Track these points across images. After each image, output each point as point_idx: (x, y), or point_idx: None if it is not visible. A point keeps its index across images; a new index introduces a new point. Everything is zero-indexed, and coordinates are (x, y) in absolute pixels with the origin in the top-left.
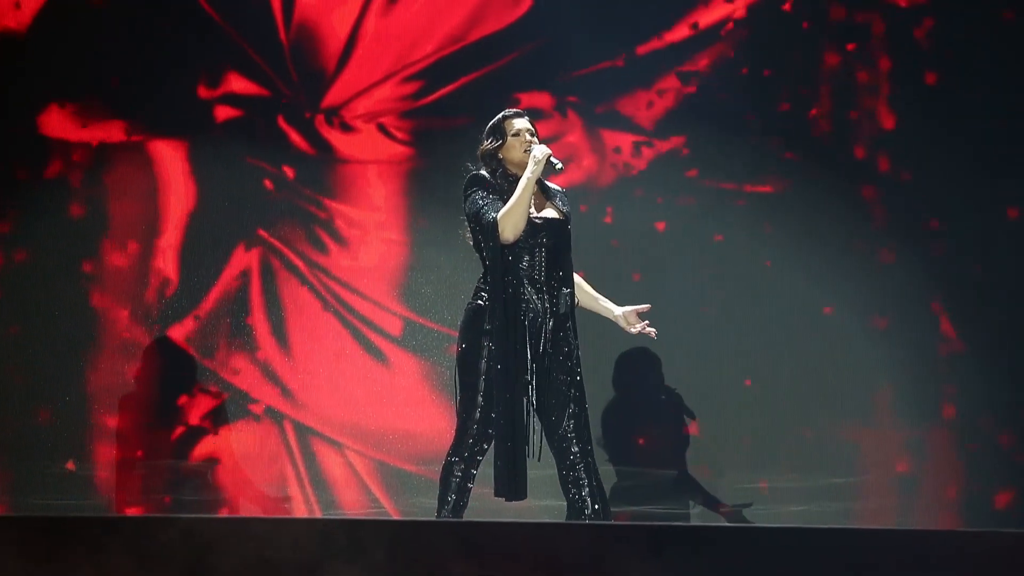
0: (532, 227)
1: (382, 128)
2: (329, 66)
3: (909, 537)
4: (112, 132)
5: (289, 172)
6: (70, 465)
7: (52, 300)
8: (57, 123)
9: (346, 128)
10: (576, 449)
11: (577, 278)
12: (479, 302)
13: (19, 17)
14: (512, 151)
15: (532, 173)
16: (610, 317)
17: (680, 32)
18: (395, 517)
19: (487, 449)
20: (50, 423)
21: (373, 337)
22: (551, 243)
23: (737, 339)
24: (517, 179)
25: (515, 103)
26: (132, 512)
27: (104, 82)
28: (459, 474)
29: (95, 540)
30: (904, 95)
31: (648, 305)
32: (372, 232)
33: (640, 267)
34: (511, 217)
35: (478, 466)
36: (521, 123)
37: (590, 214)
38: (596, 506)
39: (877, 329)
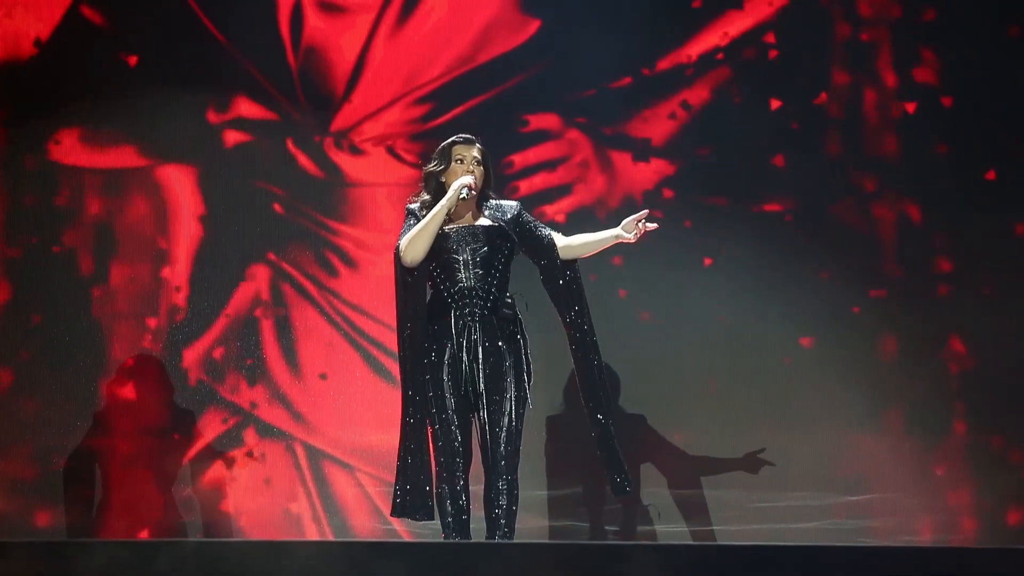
0: (460, 237)
1: (391, 151)
2: (338, 90)
3: (922, 554)
4: (122, 157)
5: (298, 196)
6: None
7: (62, 325)
8: (67, 149)
9: (355, 151)
10: (503, 463)
11: (570, 238)
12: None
13: (28, 43)
14: (452, 176)
15: (446, 201)
16: (616, 242)
17: (687, 52)
18: (407, 539)
19: (459, 463)
20: (61, 448)
21: (383, 359)
22: (484, 252)
23: (745, 356)
24: (433, 200)
25: (523, 124)
26: (142, 536)
27: (114, 108)
28: (448, 499)
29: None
30: (910, 113)
31: (646, 211)
32: (382, 254)
33: (646, 286)
34: (412, 243)
35: (459, 484)
36: (466, 151)
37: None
38: (504, 530)
39: (888, 347)
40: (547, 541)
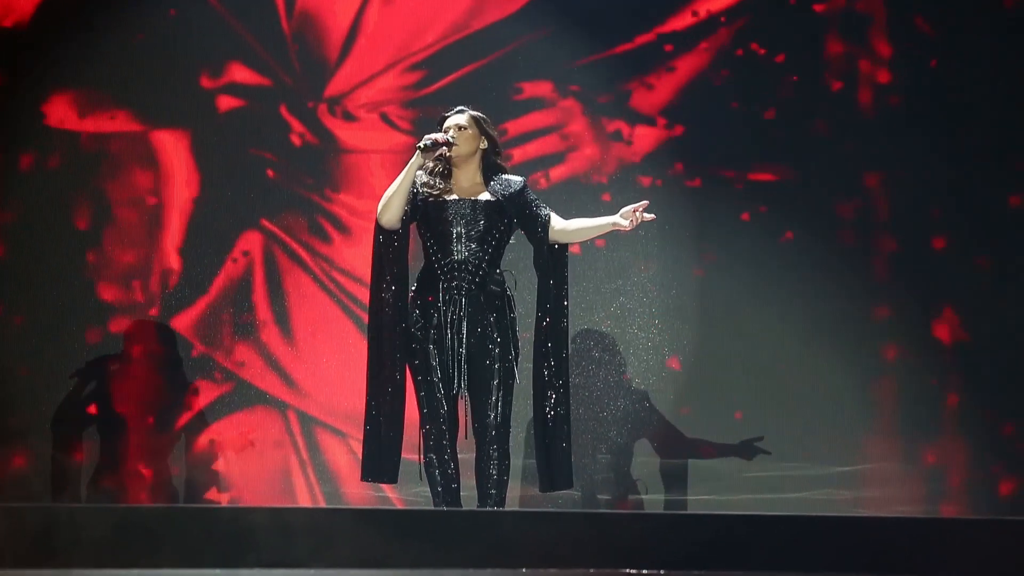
0: (457, 210)
1: (385, 117)
2: (331, 55)
3: (914, 525)
4: (115, 122)
5: (292, 162)
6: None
7: (55, 290)
8: (60, 113)
9: (349, 118)
10: (493, 433)
11: (568, 222)
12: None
13: (24, 5)
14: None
15: (413, 160)
16: (613, 229)
17: (681, 20)
18: (399, 507)
19: (446, 431)
20: (51, 413)
21: None
22: (480, 227)
23: (738, 327)
24: (438, 171)
25: (517, 92)
26: (132, 502)
27: (107, 72)
28: (437, 467)
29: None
30: (906, 83)
31: (645, 202)
32: (375, 221)
33: (641, 257)
34: (387, 205)
35: (447, 452)
36: (452, 119)
37: (591, 202)
38: (495, 499)
39: (881, 318)
40: (537, 509)
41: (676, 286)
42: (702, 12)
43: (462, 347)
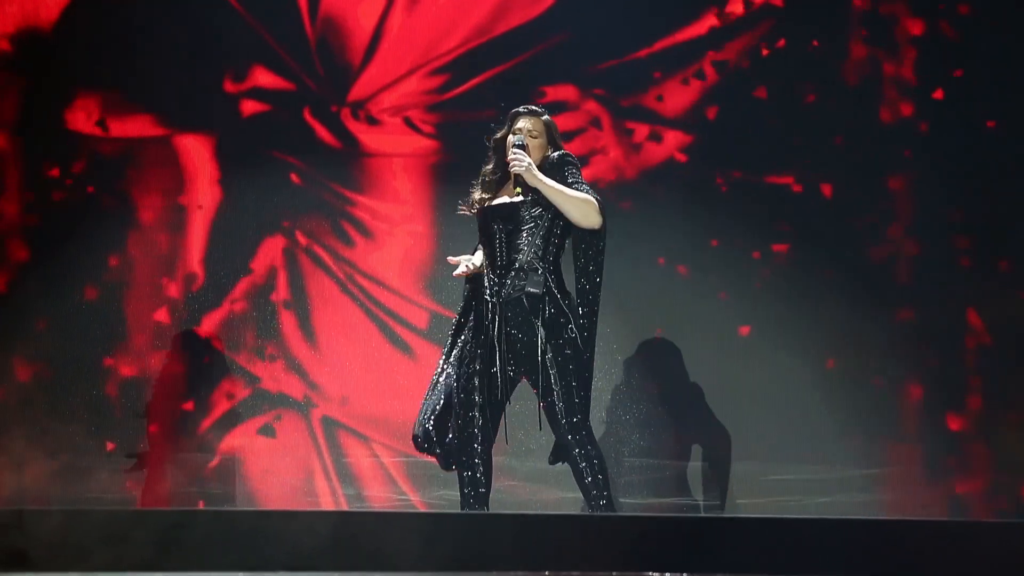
0: (497, 212)
1: (408, 121)
2: (355, 60)
3: (935, 528)
4: (139, 126)
5: (315, 166)
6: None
7: (79, 294)
8: (84, 117)
9: (372, 122)
10: (569, 437)
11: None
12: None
13: (48, 11)
14: (506, 144)
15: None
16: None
17: (705, 23)
18: (422, 510)
19: (477, 436)
20: (79, 417)
21: (399, 330)
22: (508, 228)
23: (760, 330)
24: (496, 168)
25: (540, 96)
26: (159, 505)
27: (131, 76)
28: (467, 471)
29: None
30: (930, 88)
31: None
32: (398, 225)
33: (660, 250)
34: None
35: (478, 456)
36: (523, 122)
37: (613, 207)
38: (598, 501)
39: (904, 320)
40: (557, 513)
41: (695, 289)
42: (726, 15)
43: (504, 347)
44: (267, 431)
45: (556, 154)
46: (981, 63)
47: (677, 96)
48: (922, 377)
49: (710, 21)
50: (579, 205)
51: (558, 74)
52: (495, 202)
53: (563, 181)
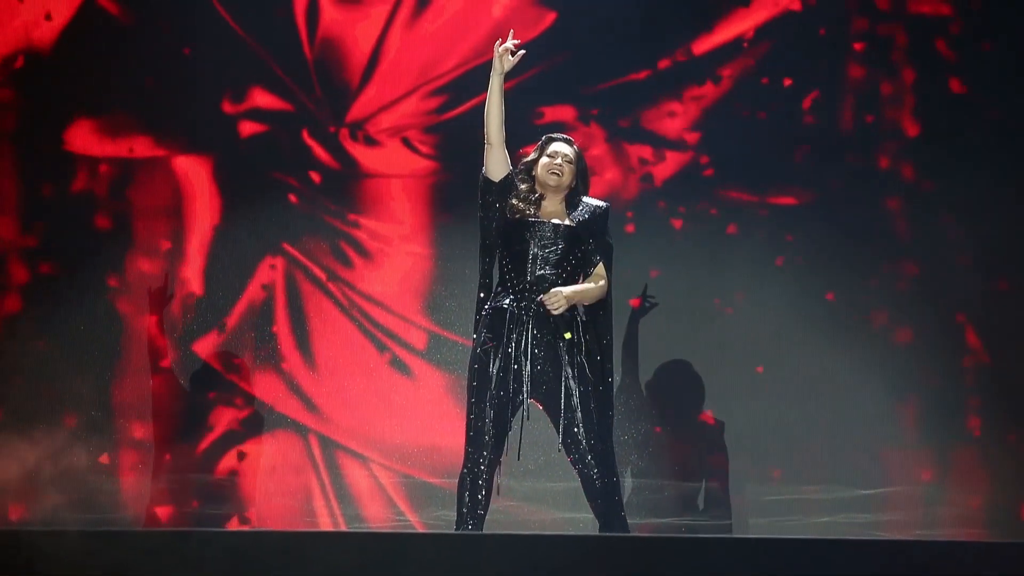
0: (536, 231)
1: (406, 142)
2: (353, 81)
3: (934, 548)
4: (137, 147)
5: (313, 186)
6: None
7: (77, 314)
8: (83, 138)
9: (370, 142)
10: (590, 459)
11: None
12: (486, 305)
13: (46, 32)
14: (539, 168)
15: (492, 71)
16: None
17: (702, 45)
18: (420, 530)
19: (485, 456)
20: (77, 436)
21: (397, 350)
22: (558, 251)
23: (760, 352)
24: (531, 191)
25: (538, 116)
26: (157, 525)
27: (130, 97)
28: (468, 488)
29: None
30: (927, 104)
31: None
32: (396, 245)
33: (660, 270)
34: (486, 123)
35: (483, 477)
36: (560, 147)
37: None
38: (612, 523)
39: (902, 340)
40: (550, 533)
41: (697, 310)
42: (725, 37)
43: (527, 368)
44: (265, 451)
45: (604, 205)
46: (977, 79)
47: (675, 118)
48: (920, 399)
49: (709, 43)
50: (600, 295)
51: (556, 95)
52: (530, 219)
53: (603, 231)
